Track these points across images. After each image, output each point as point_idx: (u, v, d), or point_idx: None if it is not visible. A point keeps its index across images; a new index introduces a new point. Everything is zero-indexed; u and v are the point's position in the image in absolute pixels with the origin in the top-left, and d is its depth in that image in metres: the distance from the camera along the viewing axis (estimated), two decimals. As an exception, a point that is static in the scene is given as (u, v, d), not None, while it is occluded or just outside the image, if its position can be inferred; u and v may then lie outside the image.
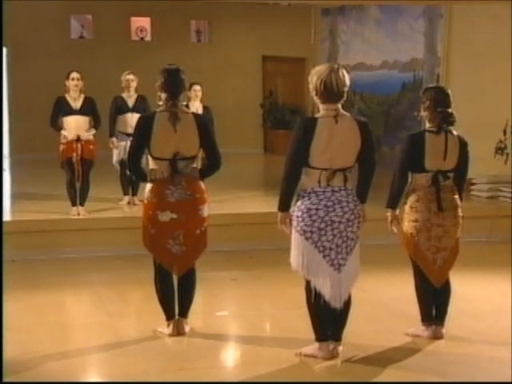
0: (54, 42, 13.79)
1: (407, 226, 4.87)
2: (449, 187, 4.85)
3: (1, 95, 9.86)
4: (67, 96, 7.95)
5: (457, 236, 4.90)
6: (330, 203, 4.30)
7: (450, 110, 4.78)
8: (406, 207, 4.88)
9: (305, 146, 4.27)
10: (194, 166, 4.87)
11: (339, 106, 4.33)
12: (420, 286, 4.92)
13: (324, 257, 4.33)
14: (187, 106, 7.49)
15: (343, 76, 4.30)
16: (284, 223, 4.41)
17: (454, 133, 4.83)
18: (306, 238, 4.32)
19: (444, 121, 4.76)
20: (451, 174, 4.85)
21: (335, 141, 4.28)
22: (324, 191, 4.31)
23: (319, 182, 4.31)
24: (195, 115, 5.00)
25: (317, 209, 4.30)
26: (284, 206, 4.39)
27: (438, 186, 4.77)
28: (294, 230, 4.38)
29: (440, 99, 4.80)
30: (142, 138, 4.80)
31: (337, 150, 4.29)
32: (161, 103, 4.86)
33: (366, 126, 4.39)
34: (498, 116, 9.68)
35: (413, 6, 11.73)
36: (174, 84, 4.83)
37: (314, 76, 4.33)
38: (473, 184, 9.50)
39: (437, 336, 4.88)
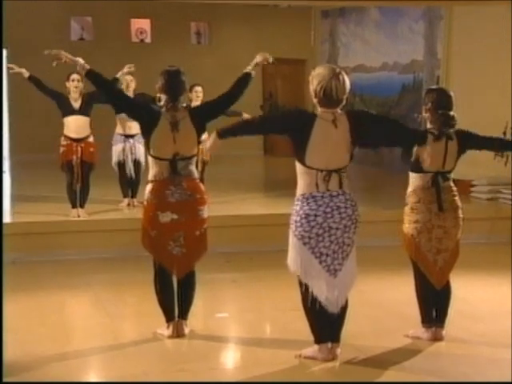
0: (54, 43, 13.57)
1: (408, 227, 4.86)
2: (449, 188, 4.85)
3: (1, 97, 9.86)
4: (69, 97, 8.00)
5: (457, 237, 4.90)
6: (328, 209, 4.30)
7: (451, 113, 4.78)
8: (407, 208, 4.87)
9: (287, 132, 4.32)
10: (193, 166, 4.89)
11: (337, 109, 4.33)
12: (420, 287, 4.91)
13: (320, 262, 4.33)
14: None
15: (343, 83, 4.28)
16: (213, 148, 4.47)
17: (454, 137, 4.80)
18: (304, 243, 4.32)
19: (445, 124, 4.75)
20: (450, 175, 4.85)
21: (331, 143, 4.28)
22: (322, 196, 4.30)
23: (317, 185, 4.30)
24: (190, 112, 4.88)
25: (315, 215, 4.29)
26: (225, 135, 4.41)
27: (438, 186, 4.77)
28: (292, 234, 4.38)
29: (442, 101, 4.79)
30: (143, 113, 4.83)
31: (332, 151, 4.29)
32: (161, 104, 4.87)
33: (354, 113, 4.41)
34: (498, 118, 9.67)
35: (413, 7, 11.74)
36: (175, 86, 4.83)
37: (315, 79, 4.32)
38: (473, 186, 9.50)
39: (437, 338, 4.87)
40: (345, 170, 4.36)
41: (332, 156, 4.29)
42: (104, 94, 5.03)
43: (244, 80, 5.04)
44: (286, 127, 4.37)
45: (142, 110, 4.87)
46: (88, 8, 13.61)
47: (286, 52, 15.13)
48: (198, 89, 8.84)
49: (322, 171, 4.28)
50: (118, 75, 8.30)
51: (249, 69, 5.08)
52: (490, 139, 4.96)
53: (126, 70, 8.42)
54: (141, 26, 14.43)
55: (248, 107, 15.08)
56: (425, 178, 4.80)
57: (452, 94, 4.87)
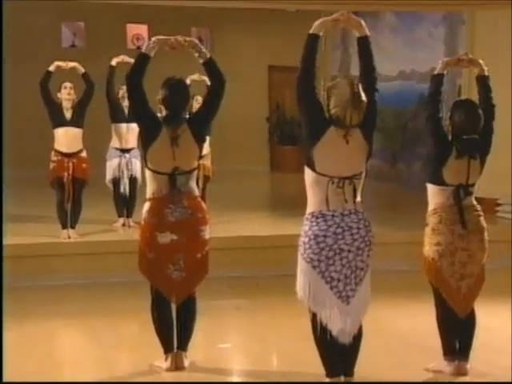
0: (43, 51, 13.83)
1: (428, 250, 4.84)
2: (472, 207, 4.83)
3: (1, 106, 9.76)
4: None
5: (483, 262, 4.88)
6: (339, 230, 4.27)
7: (475, 138, 4.76)
8: (428, 229, 4.85)
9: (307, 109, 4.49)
10: (193, 182, 4.90)
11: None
12: (442, 316, 4.88)
13: (331, 288, 4.30)
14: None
15: (360, 111, 4.28)
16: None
17: (477, 157, 4.80)
18: (313, 267, 4.29)
19: (468, 150, 4.74)
20: (473, 189, 4.84)
21: (344, 150, 4.27)
22: (333, 215, 4.28)
23: (327, 201, 4.27)
24: (189, 124, 4.88)
25: (325, 236, 4.26)
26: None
27: (460, 202, 4.75)
28: (300, 257, 4.36)
29: (467, 123, 4.76)
30: (149, 118, 4.80)
31: (346, 157, 4.28)
32: (161, 117, 4.87)
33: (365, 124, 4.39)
34: (525, 131, 9.66)
35: (432, 12, 11.76)
36: (177, 99, 4.84)
37: (333, 97, 4.32)
38: (498, 205, 9.46)
39: (461, 372, 4.83)
40: (359, 177, 4.34)
41: (345, 162, 4.28)
42: (132, 77, 4.81)
43: (212, 66, 5.20)
44: (312, 103, 4.43)
45: (150, 115, 4.83)
46: (80, 13, 13.68)
47: (294, 59, 15.12)
48: (199, 98, 8.86)
49: (333, 181, 4.26)
50: (113, 63, 8.63)
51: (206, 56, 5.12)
52: None
53: (120, 59, 8.65)
54: (137, 31, 14.49)
55: (253, 119, 15.31)
56: (445, 192, 4.78)
57: (480, 111, 4.83)
